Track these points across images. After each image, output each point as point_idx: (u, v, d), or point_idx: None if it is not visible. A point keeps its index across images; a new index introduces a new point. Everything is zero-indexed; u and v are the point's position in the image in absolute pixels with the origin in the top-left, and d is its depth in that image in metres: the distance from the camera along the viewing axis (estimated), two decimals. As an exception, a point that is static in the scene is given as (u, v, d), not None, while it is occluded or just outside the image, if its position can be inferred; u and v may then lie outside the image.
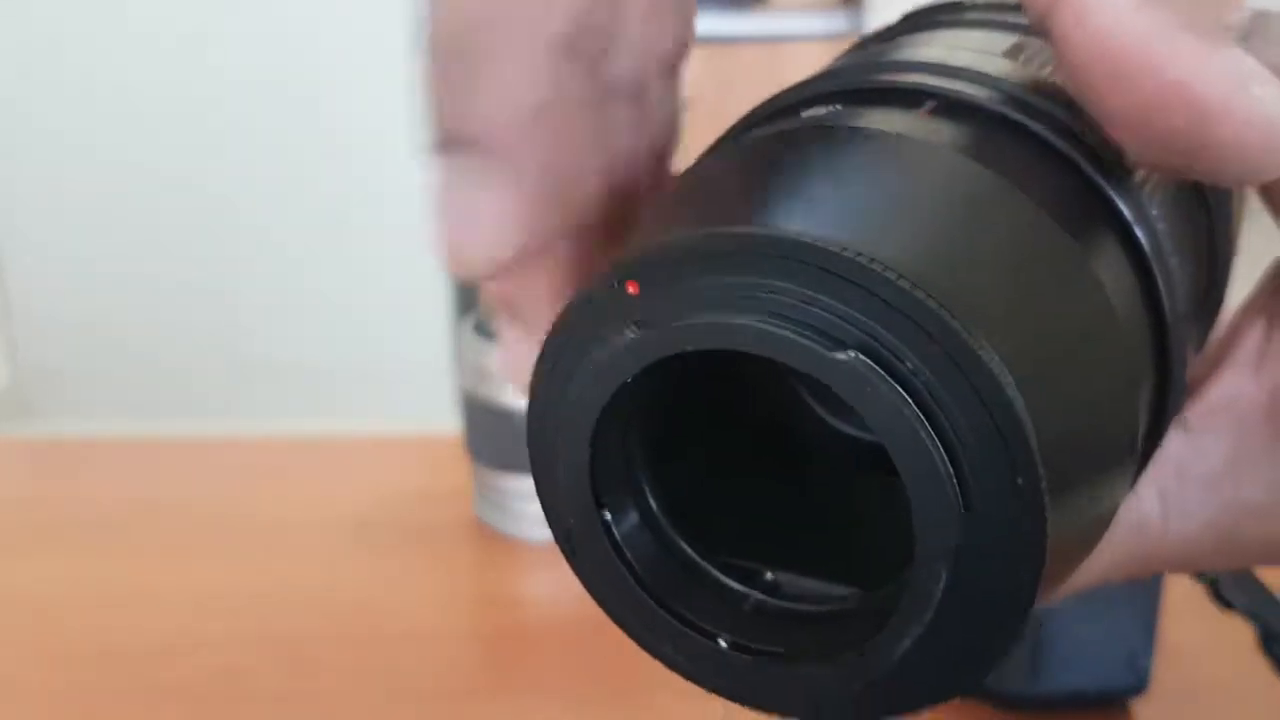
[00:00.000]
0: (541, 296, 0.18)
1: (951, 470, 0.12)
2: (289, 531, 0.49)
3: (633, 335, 0.14)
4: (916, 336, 0.12)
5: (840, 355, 0.12)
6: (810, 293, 0.13)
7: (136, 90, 2.42)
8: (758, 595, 0.16)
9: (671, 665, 0.17)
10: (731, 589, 0.16)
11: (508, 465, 0.46)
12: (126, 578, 0.45)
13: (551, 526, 0.16)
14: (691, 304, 0.13)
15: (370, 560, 0.46)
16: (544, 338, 0.15)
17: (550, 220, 0.17)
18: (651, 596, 0.16)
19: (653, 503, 0.16)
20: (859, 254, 0.12)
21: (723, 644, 0.15)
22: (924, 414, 0.12)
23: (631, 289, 0.14)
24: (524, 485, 0.46)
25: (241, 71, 2.39)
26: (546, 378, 0.15)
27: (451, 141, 0.17)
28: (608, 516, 0.16)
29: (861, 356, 0.12)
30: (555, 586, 0.45)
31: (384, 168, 2.42)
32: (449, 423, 0.52)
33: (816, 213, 0.14)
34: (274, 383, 2.58)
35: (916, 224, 0.14)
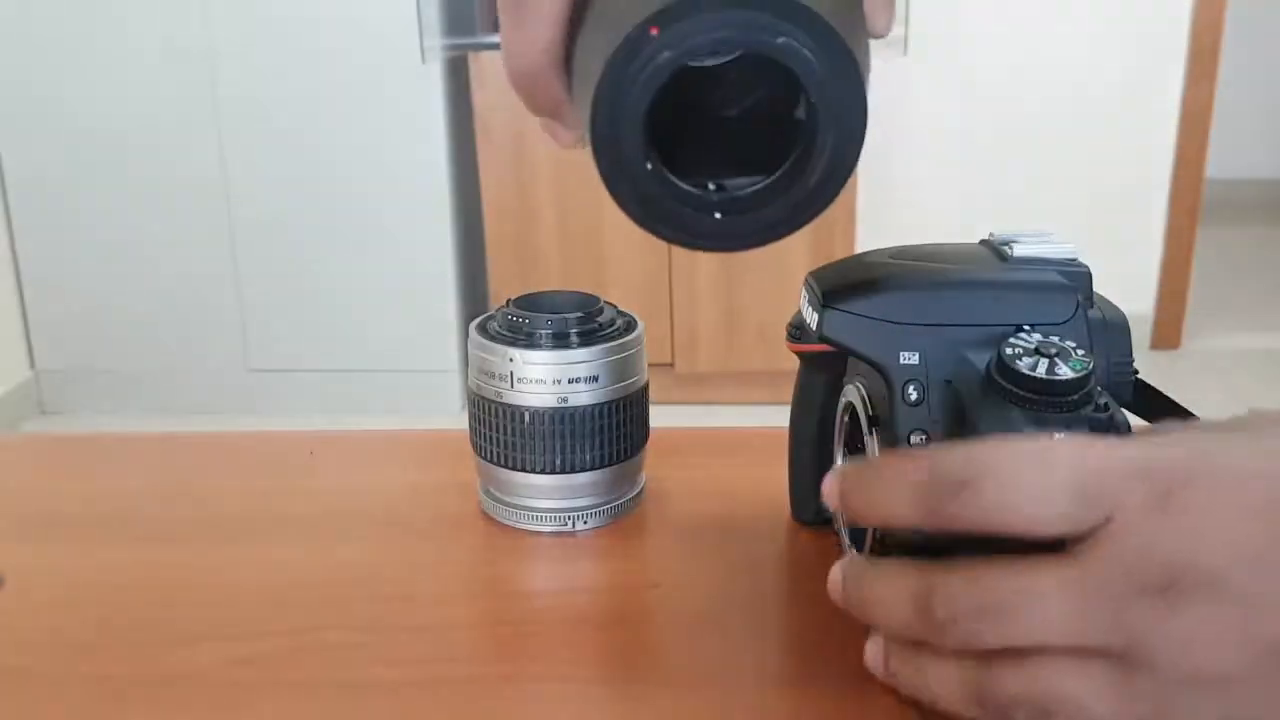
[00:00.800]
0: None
1: (829, 79, 0.28)
2: (300, 524, 0.49)
3: (668, 55, 0.27)
4: (813, 34, 0.27)
5: (778, 39, 0.27)
6: (756, 13, 0.27)
7: (153, 94, 2.42)
8: (720, 194, 0.30)
9: (675, 239, 0.30)
10: (707, 194, 0.30)
11: (512, 462, 0.47)
12: (141, 570, 0.46)
13: (614, 185, 0.29)
14: (697, 28, 0.27)
15: (379, 552, 0.47)
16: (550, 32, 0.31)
17: None
18: (676, 199, 0.29)
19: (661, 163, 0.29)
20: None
21: (718, 215, 0.29)
22: (816, 58, 0.27)
23: (654, 31, 0.27)
24: (528, 481, 0.47)
25: (256, 75, 2.40)
26: (611, 88, 0.27)
27: None
28: (649, 167, 0.29)
29: (790, 40, 0.27)
30: (558, 578, 0.46)
31: (397, 172, 2.43)
32: (457, 420, 0.52)
33: None
34: (286, 382, 2.59)
35: None
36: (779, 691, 0.38)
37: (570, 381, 0.46)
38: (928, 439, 0.35)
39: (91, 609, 0.43)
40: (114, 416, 2.57)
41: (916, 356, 0.35)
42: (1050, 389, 0.32)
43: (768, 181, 0.29)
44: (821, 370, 0.45)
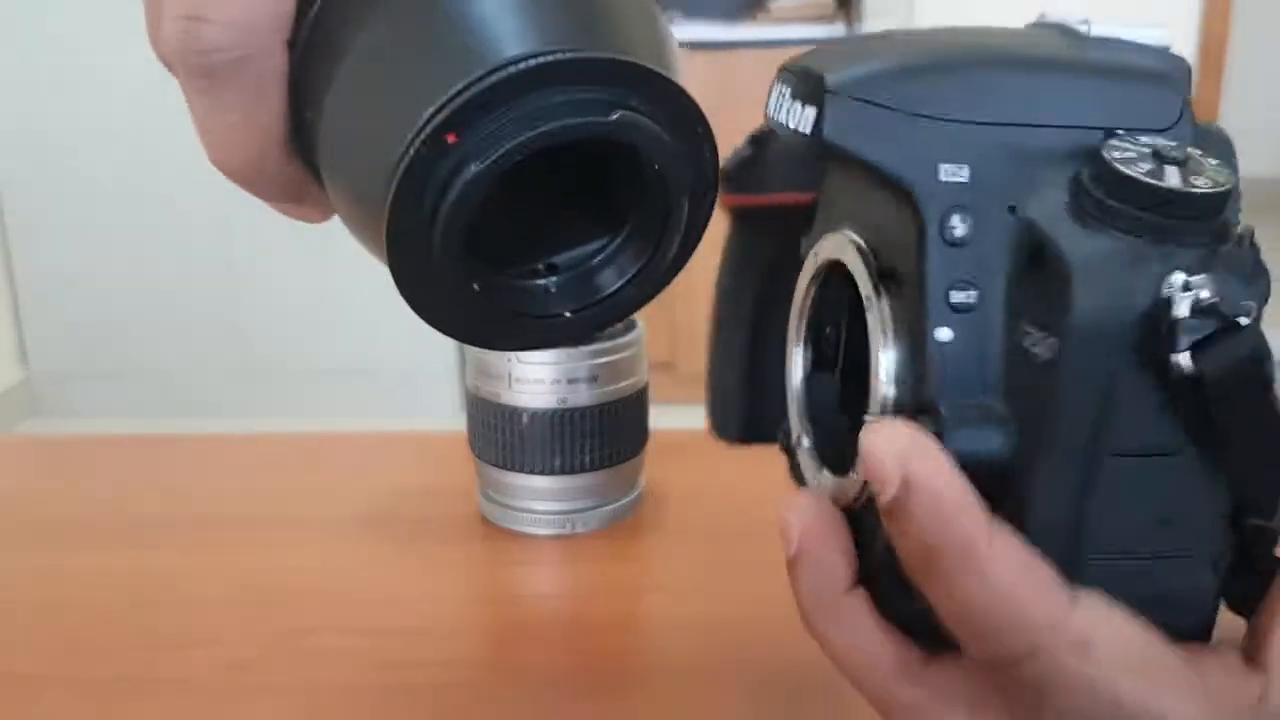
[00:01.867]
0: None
1: (675, 138, 0.23)
2: (297, 527, 0.49)
3: (477, 168, 0.21)
4: (640, 90, 0.22)
5: (613, 116, 0.22)
6: (573, 90, 0.21)
7: (145, 95, 2.42)
8: (552, 279, 0.25)
9: (521, 346, 0.26)
10: (537, 285, 0.25)
11: (510, 463, 0.46)
12: (135, 573, 0.46)
13: (435, 321, 0.24)
14: (508, 130, 0.21)
15: (376, 555, 0.47)
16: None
17: None
18: (500, 312, 0.24)
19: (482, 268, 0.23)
20: (602, 55, 0.22)
21: (567, 314, 0.25)
22: (658, 121, 0.22)
23: (451, 139, 0.21)
24: (527, 482, 0.47)
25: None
26: (403, 208, 0.21)
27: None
28: (476, 288, 0.23)
29: (625, 112, 0.22)
30: (556, 581, 0.46)
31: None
32: (455, 421, 0.52)
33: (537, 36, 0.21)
34: (282, 382, 2.59)
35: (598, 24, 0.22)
36: (778, 694, 0.37)
37: (570, 382, 0.45)
38: (980, 298, 0.23)
39: (85, 612, 0.43)
40: (109, 418, 2.57)
41: (965, 171, 0.24)
42: (1188, 204, 0.22)
43: (612, 247, 0.25)
44: (766, 231, 0.32)
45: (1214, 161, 0.23)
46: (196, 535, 0.49)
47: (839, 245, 0.27)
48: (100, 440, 0.64)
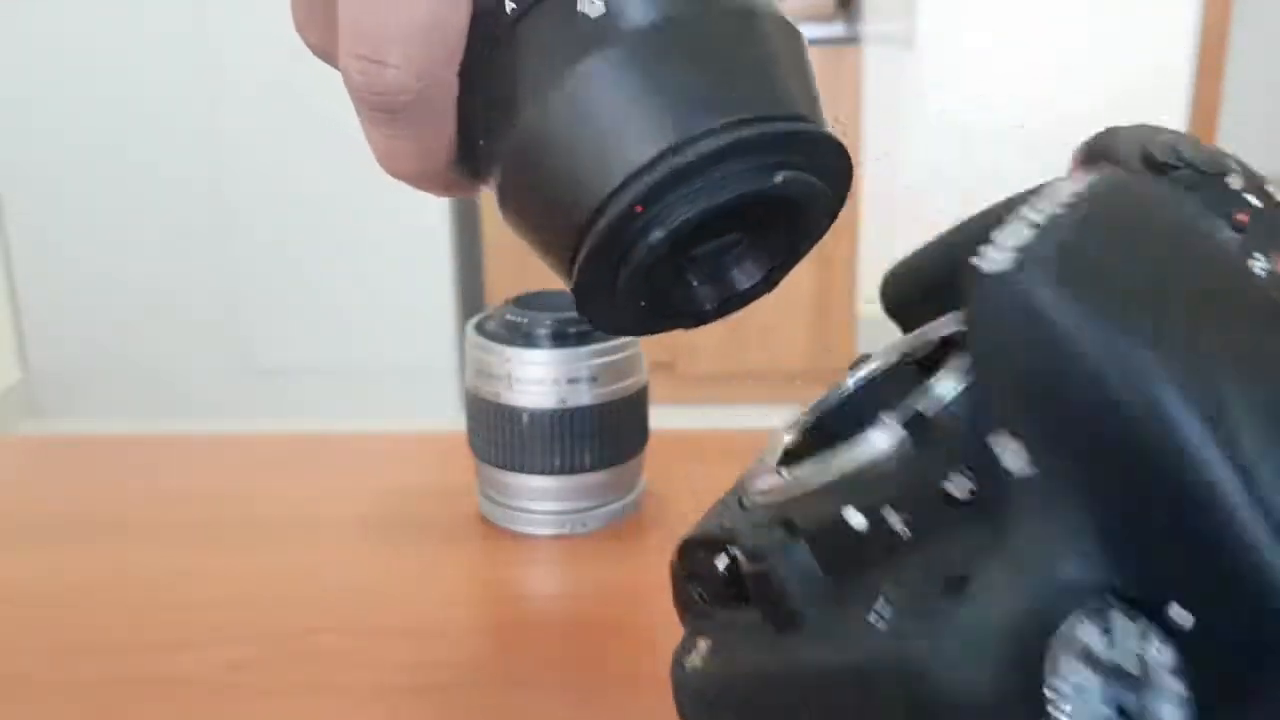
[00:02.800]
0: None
1: (828, 185, 0.24)
2: (296, 527, 0.49)
3: (659, 234, 0.22)
4: (806, 150, 0.23)
5: (782, 178, 0.23)
6: (754, 158, 0.23)
7: (145, 95, 2.42)
8: (698, 283, 0.26)
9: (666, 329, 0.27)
10: (689, 288, 0.26)
11: (510, 463, 0.46)
12: (134, 573, 0.46)
13: (592, 320, 0.25)
14: (692, 199, 0.22)
15: (377, 555, 0.47)
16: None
17: None
18: (658, 313, 0.26)
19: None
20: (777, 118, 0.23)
21: (709, 308, 0.26)
22: (816, 174, 0.23)
23: (639, 209, 0.22)
24: (526, 483, 0.47)
25: (249, 75, 2.39)
26: (590, 265, 0.23)
27: None
28: (643, 304, 0.25)
29: (786, 173, 0.23)
30: (557, 581, 0.46)
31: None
32: (455, 421, 0.52)
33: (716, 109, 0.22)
34: (282, 382, 2.59)
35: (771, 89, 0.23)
36: (782, 696, 0.37)
37: (569, 382, 0.45)
38: None
39: (85, 613, 0.43)
40: (108, 419, 2.57)
41: None
42: None
43: (745, 244, 0.26)
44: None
45: None
46: (196, 535, 0.49)
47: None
48: (100, 440, 0.64)
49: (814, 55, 0.25)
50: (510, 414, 0.46)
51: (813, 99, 0.24)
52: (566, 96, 0.22)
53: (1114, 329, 0.19)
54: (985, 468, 0.20)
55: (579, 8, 0.22)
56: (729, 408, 2.49)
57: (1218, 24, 2.68)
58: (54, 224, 2.53)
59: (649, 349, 0.48)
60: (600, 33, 0.22)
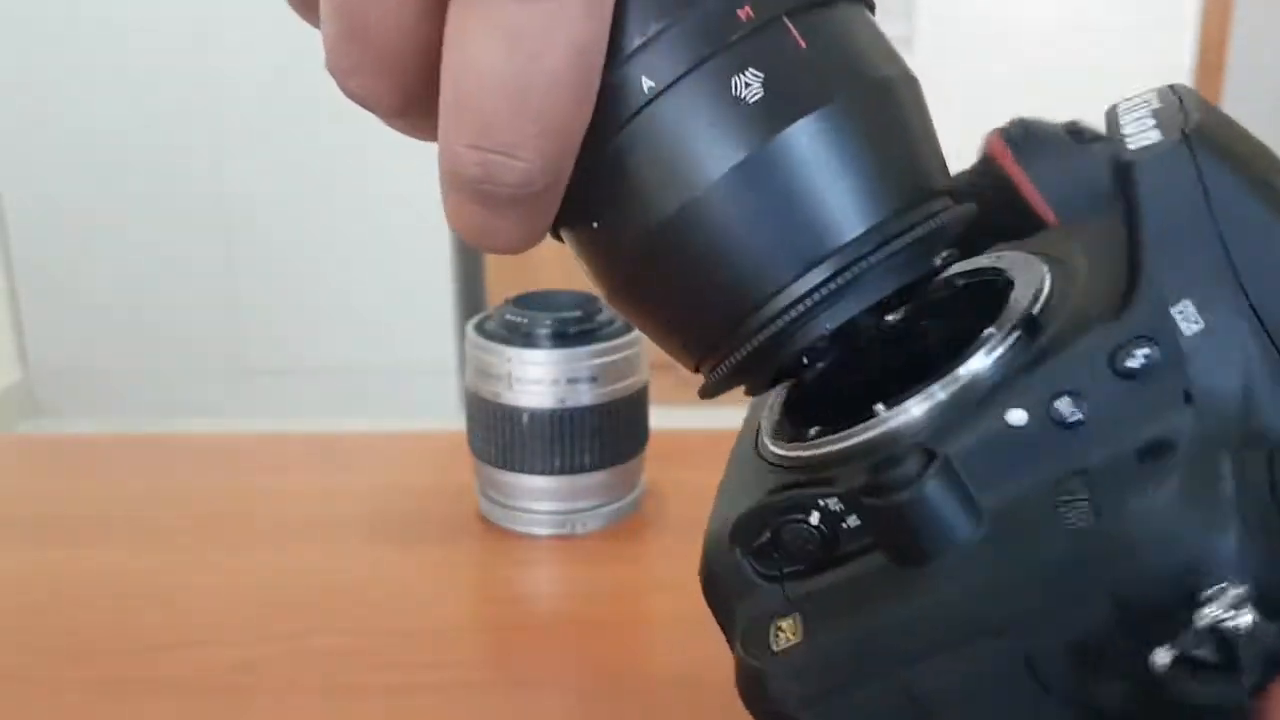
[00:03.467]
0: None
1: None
2: (296, 527, 0.49)
3: (822, 345, 0.23)
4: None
5: (938, 260, 0.23)
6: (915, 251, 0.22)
7: (146, 96, 2.42)
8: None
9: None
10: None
11: (510, 463, 0.46)
12: (135, 574, 0.45)
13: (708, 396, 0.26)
14: (850, 298, 0.22)
15: (376, 555, 0.47)
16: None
17: None
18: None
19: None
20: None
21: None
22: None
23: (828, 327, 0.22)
24: (526, 483, 0.47)
25: (251, 74, 2.39)
26: (759, 354, 0.23)
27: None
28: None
29: (947, 251, 0.23)
30: (557, 581, 0.46)
31: (393, 171, 2.42)
32: (455, 420, 0.52)
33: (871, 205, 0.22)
34: (282, 382, 2.59)
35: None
36: (782, 696, 0.37)
37: (569, 382, 0.45)
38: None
39: (84, 612, 0.43)
40: (108, 418, 2.57)
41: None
42: None
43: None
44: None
45: None
46: (196, 535, 0.49)
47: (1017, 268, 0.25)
48: (100, 440, 0.64)
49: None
50: (510, 414, 0.46)
51: (941, 157, 0.24)
52: (724, 190, 0.21)
53: (1271, 196, 0.21)
54: (1160, 331, 0.20)
55: (733, 91, 0.21)
56: (730, 408, 2.49)
57: (1218, 24, 2.68)
58: (54, 224, 2.53)
59: (649, 349, 0.48)
60: (755, 120, 0.21)
